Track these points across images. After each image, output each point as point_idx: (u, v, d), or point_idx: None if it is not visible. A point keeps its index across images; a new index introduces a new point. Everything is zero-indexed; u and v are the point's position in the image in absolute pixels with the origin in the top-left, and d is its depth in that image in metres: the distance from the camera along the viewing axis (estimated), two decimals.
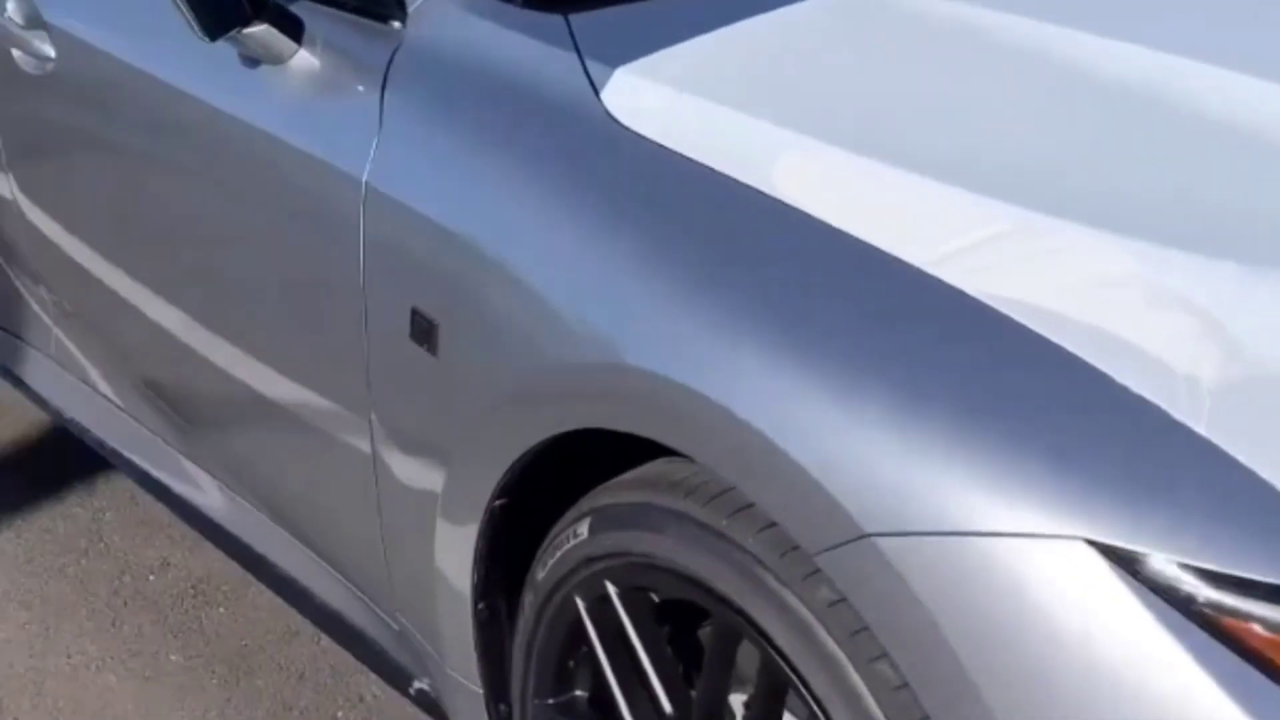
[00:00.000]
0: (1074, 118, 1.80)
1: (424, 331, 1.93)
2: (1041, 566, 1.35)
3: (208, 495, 2.63)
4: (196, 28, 2.10)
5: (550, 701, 1.92)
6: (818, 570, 1.50)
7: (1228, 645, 1.31)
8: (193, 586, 2.95)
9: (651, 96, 1.85)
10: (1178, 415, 1.38)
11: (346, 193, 2.02)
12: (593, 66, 1.90)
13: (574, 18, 1.98)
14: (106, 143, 2.61)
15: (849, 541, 1.45)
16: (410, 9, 2.08)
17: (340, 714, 2.61)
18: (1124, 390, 1.41)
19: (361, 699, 2.61)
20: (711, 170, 1.73)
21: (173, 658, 2.77)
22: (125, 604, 2.93)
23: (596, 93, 1.87)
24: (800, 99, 1.85)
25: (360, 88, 2.07)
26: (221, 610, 2.88)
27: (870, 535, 1.43)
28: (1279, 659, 1.31)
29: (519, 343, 1.80)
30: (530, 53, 1.96)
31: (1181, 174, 1.69)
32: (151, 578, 3.00)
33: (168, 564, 3.02)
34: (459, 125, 1.97)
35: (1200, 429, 1.37)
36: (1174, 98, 1.80)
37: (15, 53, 2.71)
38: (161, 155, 2.46)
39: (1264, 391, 1.42)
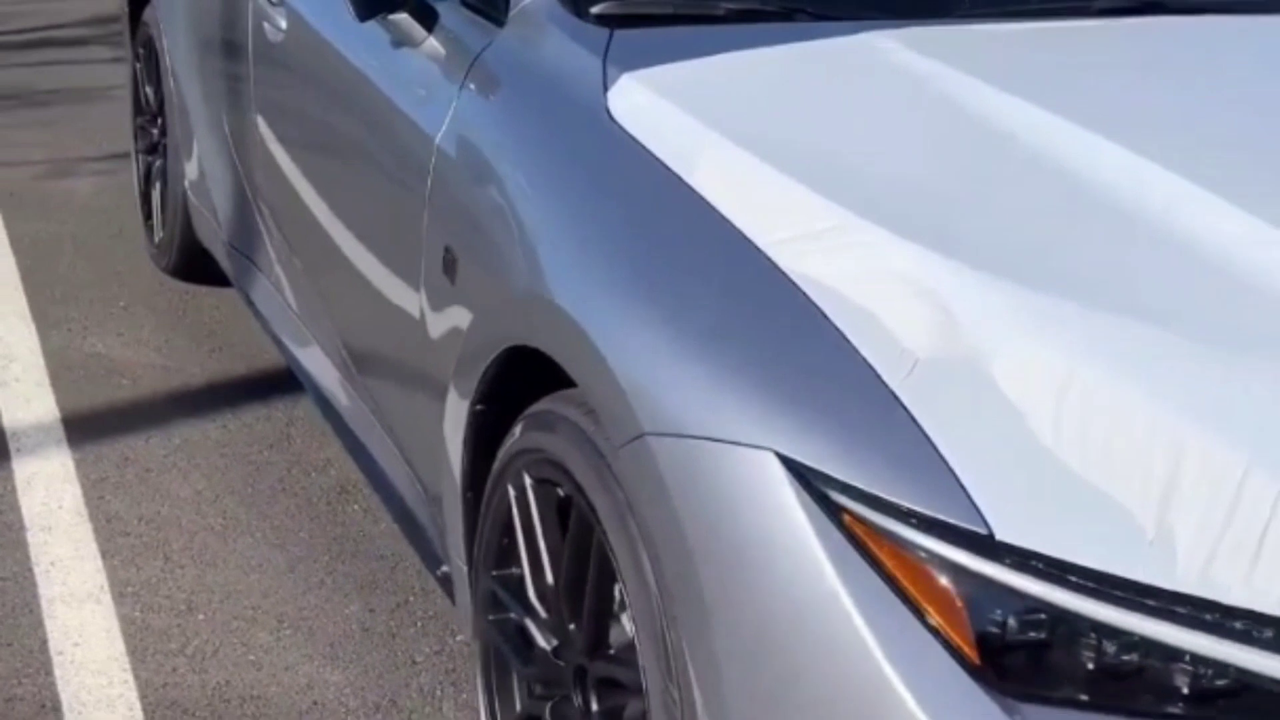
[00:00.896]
0: (953, 160, 2.14)
1: (449, 264, 2.42)
2: (743, 469, 1.72)
3: (337, 392, 3.18)
4: (352, 10, 2.65)
5: (494, 573, 2.36)
6: (619, 461, 1.90)
7: (861, 553, 1.65)
8: (340, 485, 3.50)
9: (641, 99, 2.29)
10: (884, 375, 1.73)
11: (425, 152, 2.53)
12: (610, 71, 2.34)
13: (618, 32, 2.44)
14: (307, 96, 3.21)
15: (634, 439, 1.85)
16: (510, 13, 2.57)
17: (411, 599, 3.10)
18: (850, 348, 1.76)
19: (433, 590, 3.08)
20: (660, 162, 2.15)
21: (301, 534, 3.32)
22: (285, 489, 3.50)
23: (605, 92, 2.31)
24: (749, 116, 2.25)
25: (455, 72, 2.57)
26: (356, 507, 3.42)
27: (646, 434, 1.83)
28: (899, 573, 1.64)
29: (497, 278, 2.26)
30: (574, 56, 2.43)
31: (1000, 204, 2.02)
32: (314, 474, 3.56)
33: (329, 465, 3.58)
34: (504, 109, 2.45)
35: (894, 386, 1.72)
36: (1034, 149, 2.13)
37: (265, 24, 3.34)
38: (335, 109, 3.04)
39: (961, 375, 1.74)
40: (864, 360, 1.75)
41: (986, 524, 1.60)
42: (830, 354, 1.78)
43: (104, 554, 3.21)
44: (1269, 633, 1.56)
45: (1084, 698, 1.58)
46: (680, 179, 2.10)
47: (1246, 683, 1.57)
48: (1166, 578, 1.57)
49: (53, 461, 3.59)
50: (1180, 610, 1.57)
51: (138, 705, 2.75)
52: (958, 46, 2.46)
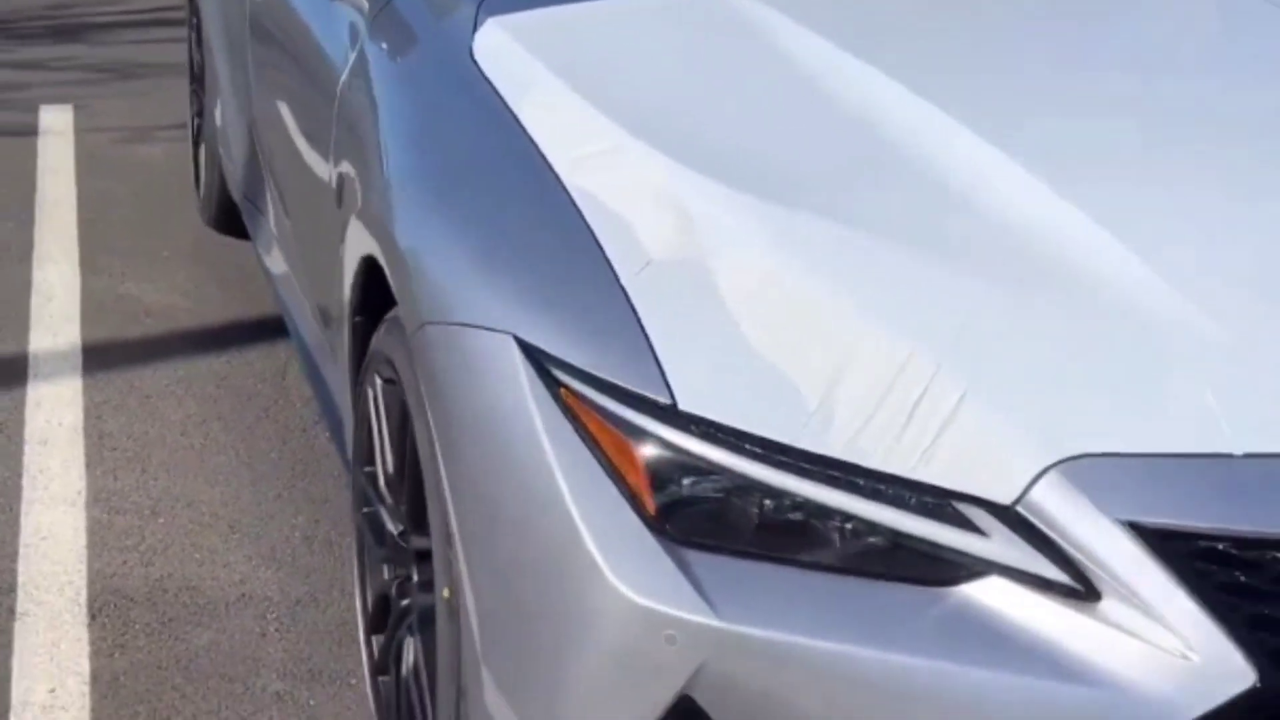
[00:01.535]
0: (750, 97, 2.35)
1: (338, 194, 2.68)
2: (490, 350, 1.95)
3: (306, 325, 3.44)
4: None
5: (364, 469, 2.61)
6: (413, 349, 2.14)
7: (571, 421, 1.87)
8: (318, 416, 3.78)
9: (498, 41, 2.52)
10: (620, 271, 1.95)
11: (332, 96, 2.80)
12: (480, 16, 2.59)
13: None
14: (275, 51, 3.50)
15: (419, 328, 2.09)
16: None
17: None
18: (597, 248, 1.98)
19: None
20: (499, 95, 2.39)
21: (271, 455, 3.61)
22: (268, 417, 3.79)
23: (473, 34, 2.56)
24: (585, 59, 2.47)
25: (362, 21, 2.84)
26: (326, 435, 3.69)
27: (425, 323, 2.07)
28: (599, 437, 1.85)
29: (359, 200, 2.52)
30: (456, 4, 2.67)
31: (773, 132, 2.22)
32: (298, 405, 3.85)
33: (314, 399, 3.86)
34: (389, 51, 2.70)
35: (625, 280, 1.94)
36: (827, 90, 2.32)
37: None
38: (292, 62, 3.32)
39: (685, 272, 1.95)
40: (606, 259, 1.97)
41: (672, 396, 1.81)
42: (578, 253, 2.00)
43: (89, 465, 3.52)
44: (913, 497, 1.75)
45: (750, 549, 1.78)
46: (510, 110, 2.33)
47: (899, 541, 1.76)
48: (822, 445, 1.76)
49: (64, 385, 3.92)
50: (835, 474, 1.76)
51: (84, 590, 3.04)
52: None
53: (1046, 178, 2.07)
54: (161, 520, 3.31)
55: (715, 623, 1.73)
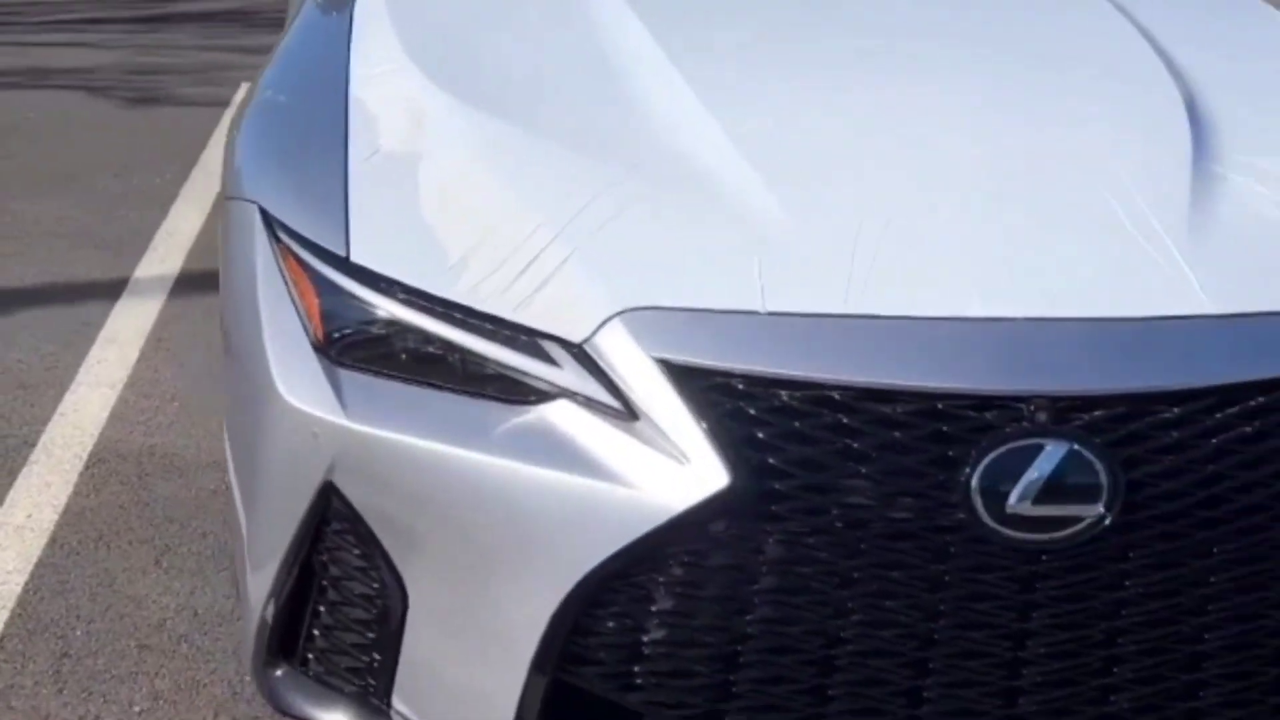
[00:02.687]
0: (540, 43, 2.82)
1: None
2: (247, 218, 2.45)
3: None
4: None
5: None
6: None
7: (281, 270, 2.35)
8: None
9: (373, 6, 3.04)
10: (353, 157, 2.43)
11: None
12: None
13: None
14: None
15: (225, 200, 2.62)
16: None
17: None
18: (344, 140, 2.45)
19: None
20: (348, 35, 2.90)
21: None
22: None
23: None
24: (427, 10, 2.97)
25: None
26: None
27: (226, 198, 2.60)
28: (295, 281, 2.32)
29: None
30: None
31: (532, 68, 2.69)
32: None
33: None
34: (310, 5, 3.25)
35: (353, 164, 2.41)
36: (606, 43, 2.78)
37: None
38: None
39: (402, 162, 2.43)
40: (346, 149, 2.46)
41: (348, 250, 2.29)
42: (330, 145, 2.48)
43: (139, 360, 4.17)
44: (508, 334, 2.18)
45: (386, 370, 2.24)
46: (349, 41, 2.85)
47: (494, 369, 2.19)
48: (450, 292, 2.22)
49: (151, 300, 4.60)
50: (454, 314, 2.20)
51: (89, 450, 3.67)
52: None
53: (712, 105, 2.48)
54: (176, 404, 3.92)
55: (345, 422, 2.20)
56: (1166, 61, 2.78)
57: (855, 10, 3.12)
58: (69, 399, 3.93)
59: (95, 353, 4.20)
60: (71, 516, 3.36)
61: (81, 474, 3.54)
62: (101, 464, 3.59)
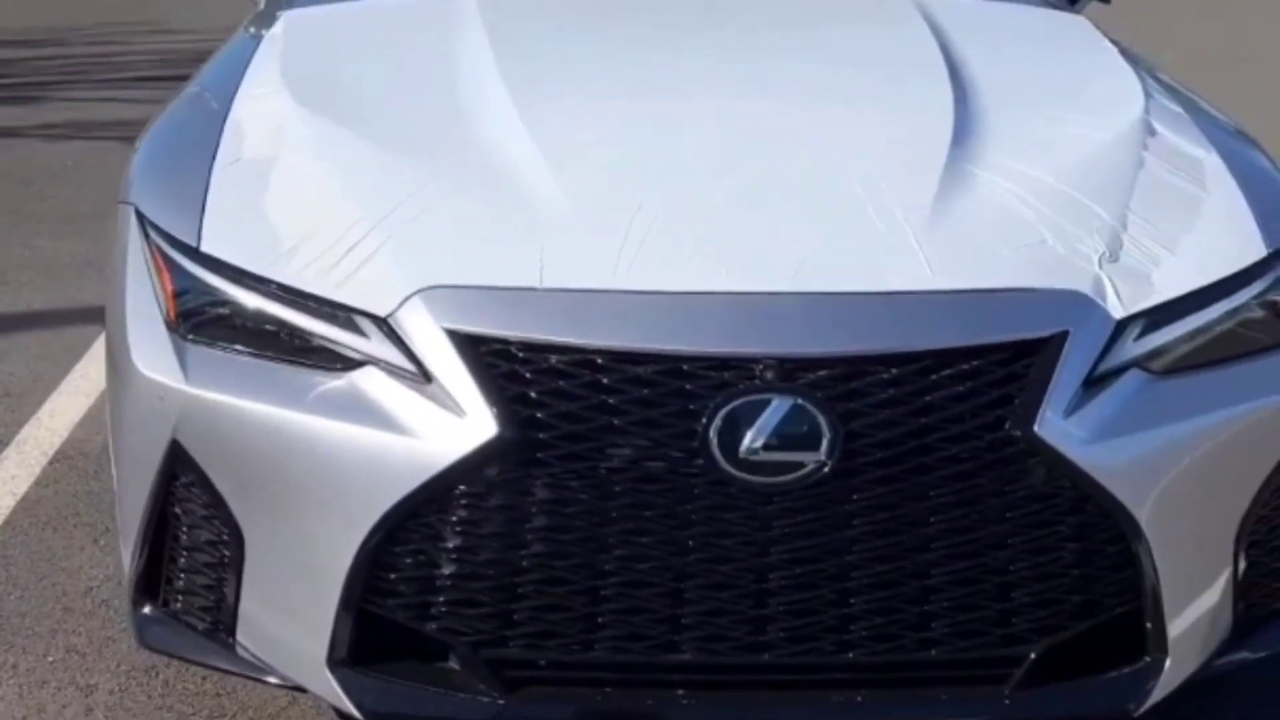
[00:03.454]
0: (406, 72, 3.18)
1: None
2: (128, 219, 2.80)
3: None
4: None
5: None
6: None
7: (149, 261, 2.70)
8: None
9: (279, 26, 3.43)
10: (219, 163, 2.79)
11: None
12: (281, 12, 3.50)
13: None
14: None
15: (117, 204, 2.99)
16: None
17: None
18: (213, 148, 2.81)
19: None
20: (251, 60, 3.29)
21: None
22: None
23: (274, 21, 3.47)
24: (322, 41, 3.35)
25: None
26: None
27: (118, 202, 2.97)
28: (158, 270, 2.67)
29: None
30: (278, 6, 3.60)
31: (392, 98, 3.04)
32: None
33: None
34: (244, 26, 3.64)
35: (218, 168, 2.77)
36: (466, 81, 3.13)
37: None
38: None
39: (260, 166, 2.79)
40: (214, 157, 2.82)
41: (199, 242, 2.64)
42: (203, 154, 2.83)
43: None
44: (327, 309, 2.51)
45: (227, 344, 2.58)
46: (245, 70, 3.22)
47: (314, 340, 2.53)
48: (280, 275, 2.55)
49: None
50: (282, 294, 2.54)
51: (57, 447, 4.05)
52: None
53: (525, 113, 2.83)
54: None
55: (185, 387, 2.55)
56: (953, 72, 3.09)
57: (678, 34, 3.47)
58: (47, 406, 4.31)
59: (80, 368, 4.59)
60: (28, 504, 3.74)
61: (45, 468, 3.92)
62: (65, 460, 3.96)
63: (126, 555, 2.71)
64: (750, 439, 2.34)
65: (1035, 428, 2.38)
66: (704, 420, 2.35)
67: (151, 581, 2.70)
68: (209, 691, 2.99)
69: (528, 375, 2.38)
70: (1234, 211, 2.75)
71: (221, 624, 2.63)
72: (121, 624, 3.18)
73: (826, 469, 2.36)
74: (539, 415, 2.37)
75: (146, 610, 2.71)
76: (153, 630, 2.70)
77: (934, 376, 2.39)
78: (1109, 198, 2.69)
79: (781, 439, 2.35)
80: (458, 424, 2.38)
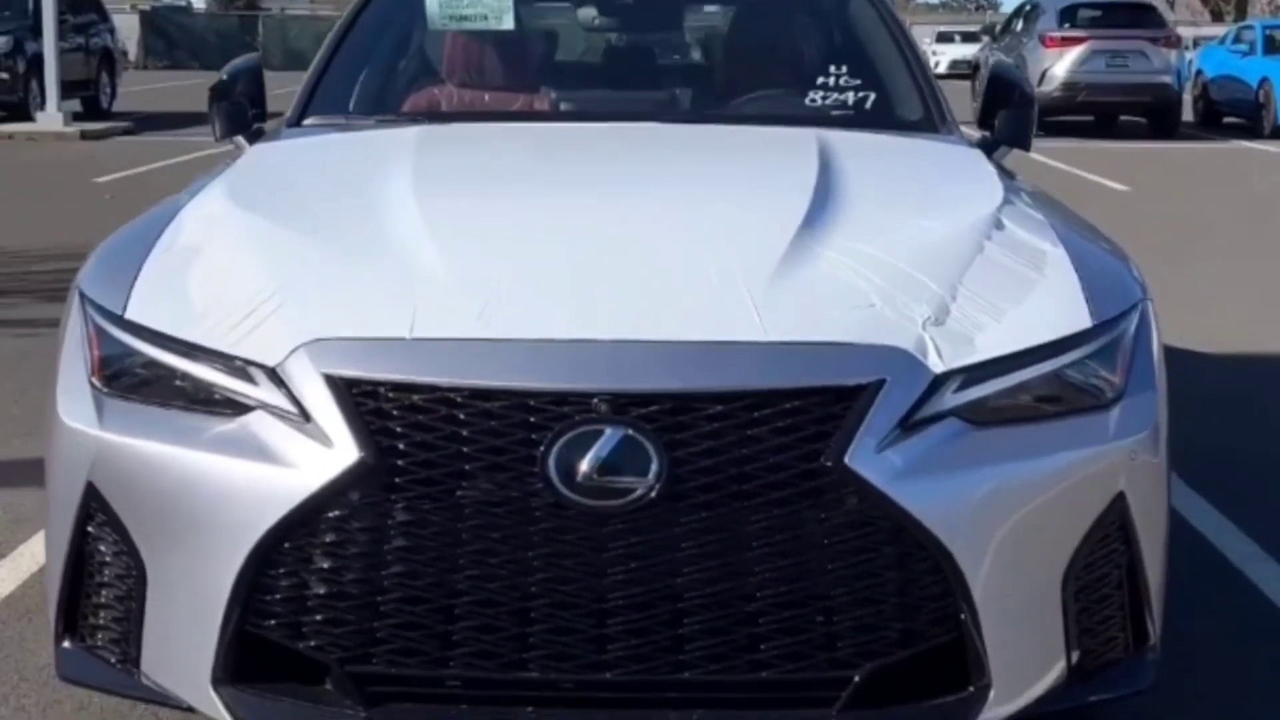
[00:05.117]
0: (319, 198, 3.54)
1: None
2: (73, 297, 3.17)
3: None
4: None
5: None
6: None
7: (83, 328, 3.04)
8: None
9: (246, 155, 3.83)
10: (156, 252, 3.14)
11: None
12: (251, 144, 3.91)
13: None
14: None
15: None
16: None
17: None
18: (154, 243, 3.18)
19: None
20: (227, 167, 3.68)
21: None
22: None
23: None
24: (276, 161, 3.74)
25: None
26: None
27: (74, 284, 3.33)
28: (90, 335, 3.01)
29: None
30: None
31: (305, 218, 3.40)
32: None
33: None
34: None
35: (152, 254, 3.13)
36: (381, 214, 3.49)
37: None
38: None
39: (190, 255, 3.15)
40: (152, 247, 3.17)
41: (124, 310, 2.97)
42: (142, 246, 3.19)
43: None
44: (225, 362, 2.82)
45: (141, 396, 2.89)
46: (203, 188, 3.61)
47: (214, 391, 2.83)
48: (190, 335, 2.86)
49: None
50: (188, 350, 2.85)
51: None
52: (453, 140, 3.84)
53: (423, 202, 3.17)
54: None
55: (98, 432, 2.86)
56: (822, 179, 3.39)
57: (591, 164, 3.82)
58: None
59: None
60: (12, 600, 4.03)
61: (33, 574, 4.22)
62: None
63: (51, 595, 2.98)
64: (585, 466, 2.59)
65: (846, 459, 2.61)
66: (543, 449, 2.60)
67: (70, 619, 2.96)
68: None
69: (392, 411, 2.66)
70: (1065, 289, 2.99)
71: (129, 655, 2.88)
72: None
73: (654, 493, 2.59)
74: (399, 445, 2.65)
75: (66, 645, 2.97)
76: (70, 664, 2.97)
77: (756, 414, 2.64)
78: (942, 274, 2.95)
79: (613, 466, 2.60)
80: (326, 454, 2.66)
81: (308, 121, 4.17)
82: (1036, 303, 2.96)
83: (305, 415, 2.70)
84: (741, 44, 4.91)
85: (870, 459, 2.62)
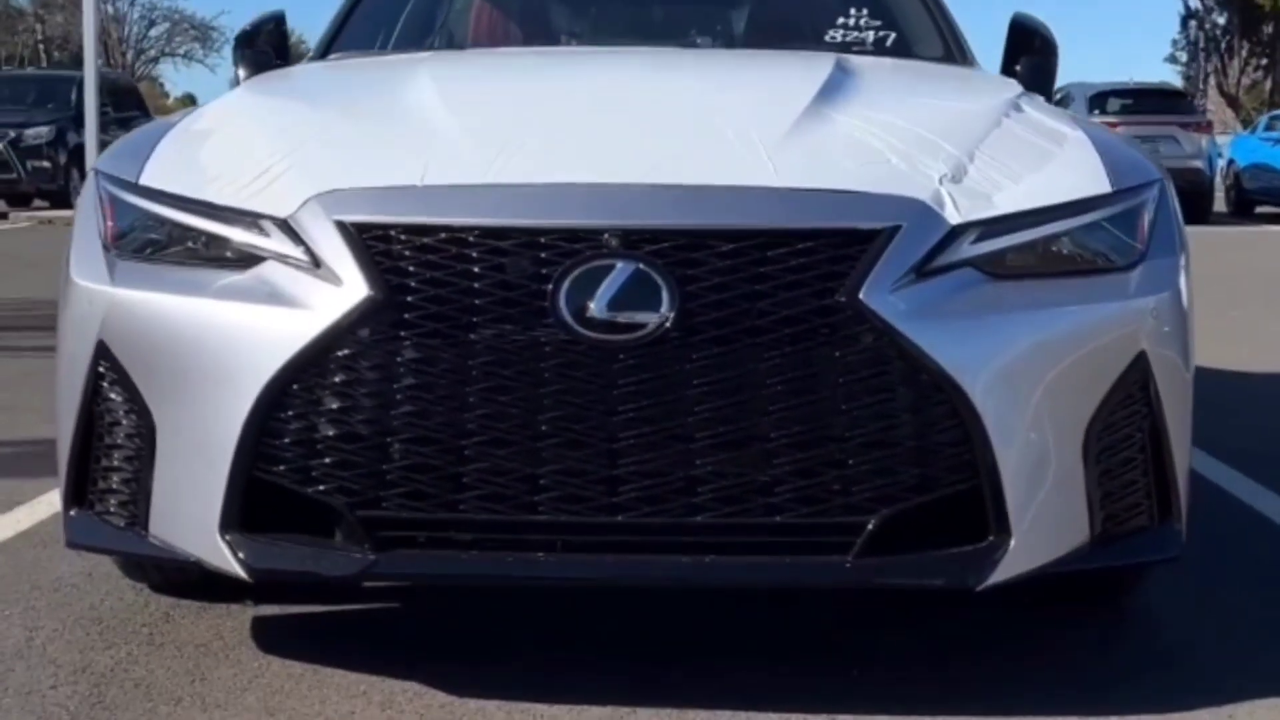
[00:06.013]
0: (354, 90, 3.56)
1: None
2: (90, 177, 3.18)
3: None
4: None
5: None
6: None
7: (97, 200, 3.06)
8: None
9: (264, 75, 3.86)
10: (173, 131, 3.16)
11: None
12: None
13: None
14: None
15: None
16: None
17: None
18: (182, 119, 3.21)
19: None
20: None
21: None
22: None
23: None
24: (296, 82, 3.76)
25: None
26: None
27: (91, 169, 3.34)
28: (103, 204, 3.02)
29: None
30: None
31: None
32: None
33: None
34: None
35: (172, 130, 3.15)
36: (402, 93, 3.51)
37: None
38: None
39: (204, 126, 3.16)
40: (169, 129, 3.19)
41: (138, 178, 2.97)
42: (159, 130, 3.21)
43: None
44: (235, 216, 2.81)
45: (153, 255, 2.89)
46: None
47: (228, 246, 2.82)
48: (201, 194, 2.87)
49: None
50: (198, 207, 2.85)
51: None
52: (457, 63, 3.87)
53: (435, 74, 3.20)
54: None
55: (109, 288, 2.85)
56: (839, 66, 3.39)
57: (609, 54, 3.85)
58: None
59: None
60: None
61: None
62: None
63: (61, 464, 2.95)
64: (596, 301, 2.57)
65: (860, 295, 2.58)
66: (553, 284, 2.58)
67: (80, 488, 2.93)
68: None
69: (403, 252, 2.65)
70: (1085, 161, 2.97)
71: (136, 517, 2.85)
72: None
73: (665, 329, 2.56)
74: (409, 283, 2.63)
75: (73, 513, 2.94)
76: (78, 529, 2.93)
77: (770, 254, 2.61)
78: (959, 139, 2.93)
79: (624, 301, 2.58)
80: (336, 293, 2.64)
81: (332, 57, 4.20)
82: (1056, 170, 2.94)
83: (316, 262, 2.68)
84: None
85: (884, 298, 2.59)
